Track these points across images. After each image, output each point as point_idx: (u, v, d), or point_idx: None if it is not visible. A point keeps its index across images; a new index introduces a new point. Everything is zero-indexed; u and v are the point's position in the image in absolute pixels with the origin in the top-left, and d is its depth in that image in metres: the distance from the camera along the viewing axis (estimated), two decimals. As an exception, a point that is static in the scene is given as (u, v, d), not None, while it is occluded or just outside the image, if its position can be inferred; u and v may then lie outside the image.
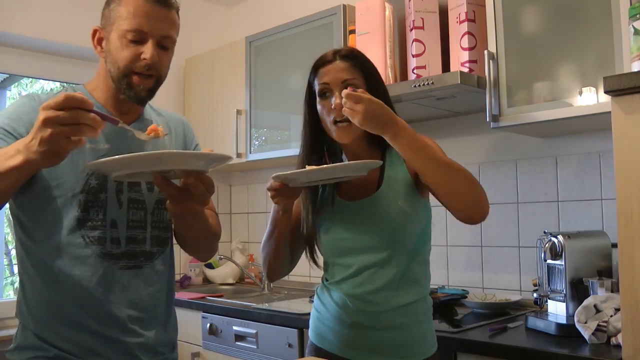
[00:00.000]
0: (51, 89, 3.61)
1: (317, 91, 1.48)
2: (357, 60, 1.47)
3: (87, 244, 1.32)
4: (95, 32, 1.38)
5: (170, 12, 1.34)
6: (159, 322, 1.42)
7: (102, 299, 1.32)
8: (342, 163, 1.35)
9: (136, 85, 1.33)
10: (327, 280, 1.54)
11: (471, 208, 1.37)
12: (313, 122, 1.52)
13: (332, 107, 1.44)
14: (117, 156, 1.04)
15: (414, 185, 1.46)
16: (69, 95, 0.98)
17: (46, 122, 0.98)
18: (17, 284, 3.95)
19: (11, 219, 1.51)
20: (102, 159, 1.08)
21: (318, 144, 1.54)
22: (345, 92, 1.28)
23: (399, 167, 1.48)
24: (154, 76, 1.34)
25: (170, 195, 1.18)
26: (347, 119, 1.35)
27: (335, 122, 1.44)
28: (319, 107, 1.48)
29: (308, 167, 1.36)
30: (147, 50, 1.30)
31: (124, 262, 1.35)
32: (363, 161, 1.37)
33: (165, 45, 1.35)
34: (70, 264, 1.30)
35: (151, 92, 1.37)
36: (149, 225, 1.40)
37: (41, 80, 3.64)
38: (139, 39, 1.30)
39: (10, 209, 1.36)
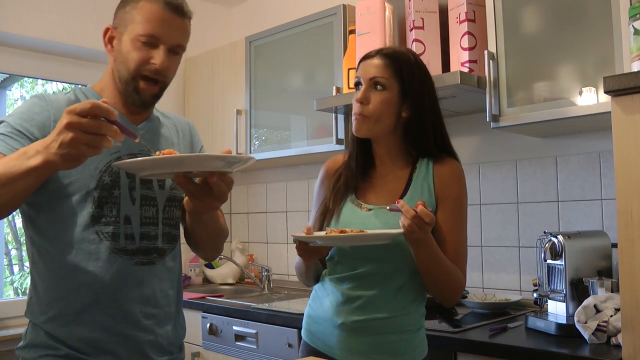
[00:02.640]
0: (53, 92, 3.62)
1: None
2: (396, 62, 1.47)
3: (100, 240, 1.32)
4: (107, 30, 1.39)
5: (184, 21, 1.37)
6: (170, 320, 1.43)
7: (116, 295, 1.33)
8: (361, 233, 1.35)
9: (142, 91, 1.36)
10: (328, 275, 1.54)
11: (442, 301, 1.50)
12: None
13: (355, 100, 1.49)
14: (141, 158, 1.11)
15: (434, 208, 1.46)
16: (96, 104, 1.00)
17: (69, 126, 0.99)
18: (17, 284, 3.96)
19: (16, 219, 1.51)
20: (127, 160, 1.13)
21: (364, 144, 1.56)
22: (419, 208, 1.30)
23: (425, 185, 1.48)
24: (160, 82, 1.38)
25: (191, 192, 1.20)
26: (362, 113, 1.45)
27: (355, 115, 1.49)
28: (352, 98, 1.51)
29: (328, 231, 1.39)
30: (158, 56, 1.33)
31: (139, 258, 1.36)
32: (385, 232, 1.38)
33: (175, 52, 1.38)
34: (84, 260, 1.31)
35: (155, 98, 1.41)
36: (160, 222, 1.41)
37: (40, 80, 3.64)
38: (151, 43, 1.33)
39: (21, 209, 1.36)
